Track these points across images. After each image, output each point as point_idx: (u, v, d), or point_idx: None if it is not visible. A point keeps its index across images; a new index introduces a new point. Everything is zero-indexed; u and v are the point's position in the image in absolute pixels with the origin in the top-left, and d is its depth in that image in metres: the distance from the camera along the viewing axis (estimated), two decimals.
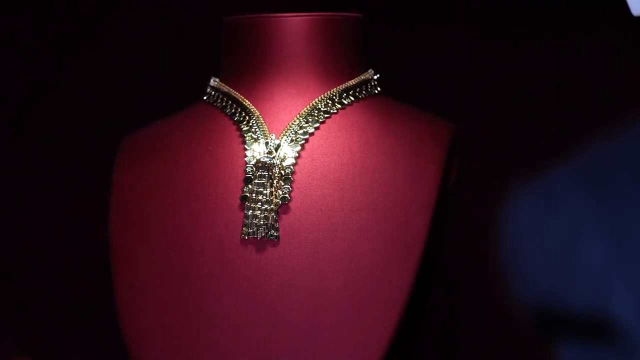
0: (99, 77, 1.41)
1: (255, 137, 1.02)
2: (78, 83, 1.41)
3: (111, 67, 1.41)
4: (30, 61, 1.42)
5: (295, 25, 1.04)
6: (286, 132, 1.02)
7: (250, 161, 1.01)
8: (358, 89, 1.06)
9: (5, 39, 1.42)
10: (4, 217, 1.41)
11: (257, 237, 0.98)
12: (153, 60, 1.41)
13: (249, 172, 1.00)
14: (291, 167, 1.00)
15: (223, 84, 1.07)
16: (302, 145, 1.02)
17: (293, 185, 1.00)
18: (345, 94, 1.05)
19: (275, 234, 0.98)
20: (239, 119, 1.04)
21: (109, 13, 1.42)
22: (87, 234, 1.37)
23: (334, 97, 1.05)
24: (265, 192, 0.99)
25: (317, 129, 1.03)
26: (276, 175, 1.00)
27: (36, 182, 1.40)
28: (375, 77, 1.09)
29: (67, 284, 1.39)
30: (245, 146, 1.02)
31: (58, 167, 1.40)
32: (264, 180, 0.99)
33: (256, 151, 1.01)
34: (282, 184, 1.00)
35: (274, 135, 1.02)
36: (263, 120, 1.03)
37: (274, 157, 1.00)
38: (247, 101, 1.05)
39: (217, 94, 1.07)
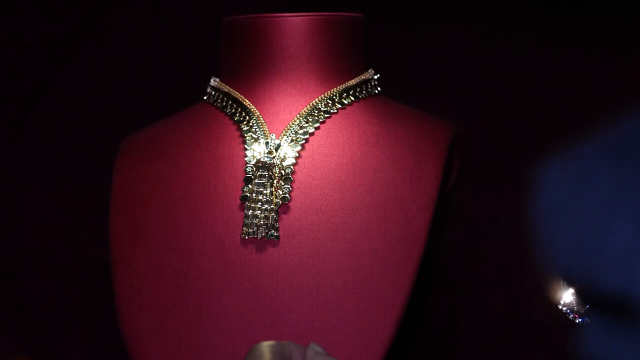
0: (99, 77, 1.41)
1: (256, 137, 1.02)
2: (78, 83, 1.41)
3: (111, 67, 1.41)
4: (30, 61, 1.42)
5: (295, 25, 1.04)
6: (286, 132, 1.02)
7: (250, 161, 1.01)
8: (358, 89, 1.06)
9: (5, 39, 1.42)
10: (4, 217, 1.41)
11: (257, 237, 0.98)
12: (153, 60, 1.41)
13: (249, 172, 1.00)
14: (291, 167, 1.00)
15: (223, 84, 1.08)
16: (302, 145, 1.02)
17: (293, 185, 1.00)
18: (345, 94, 1.05)
19: (275, 233, 0.98)
20: (239, 119, 1.04)
21: (109, 13, 1.42)
22: (87, 234, 1.37)
23: (334, 97, 1.05)
24: (265, 192, 0.99)
25: (317, 129, 1.03)
26: (276, 175, 1.00)
27: (36, 182, 1.40)
28: (376, 77, 1.09)
29: (67, 284, 1.39)
30: (246, 146, 1.02)
31: (58, 167, 1.40)
32: (264, 180, 0.99)
33: (256, 151, 1.01)
34: (283, 183, 1.00)
35: (274, 135, 1.02)
36: (263, 120, 1.03)
37: (274, 157, 1.01)
38: (247, 101, 1.05)
39: (217, 94, 1.08)
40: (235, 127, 1.04)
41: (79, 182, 1.39)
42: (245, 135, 1.03)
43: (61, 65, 1.42)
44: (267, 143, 1.01)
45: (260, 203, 0.99)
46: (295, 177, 1.01)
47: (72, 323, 1.38)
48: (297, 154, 1.01)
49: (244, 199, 0.99)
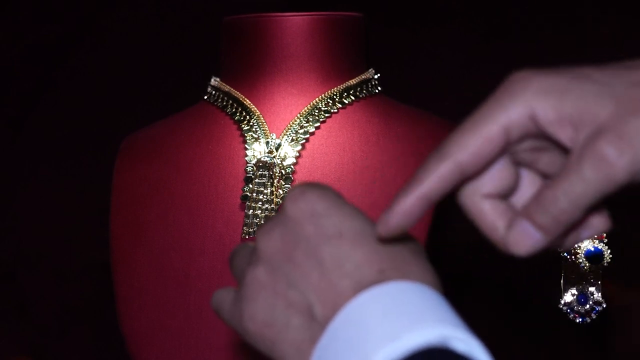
0: (99, 77, 1.41)
1: (256, 136, 1.02)
2: (78, 83, 1.41)
3: (111, 67, 1.41)
4: (30, 61, 1.42)
5: (295, 25, 1.03)
6: (287, 131, 1.02)
7: (250, 161, 1.00)
8: (358, 89, 1.06)
9: (5, 39, 1.42)
10: (4, 217, 1.41)
11: None
12: (153, 60, 1.41)
13: (249, 171, 1.00)
14: (292, 166, 1.00)
15: (223, 84, 1.07)
16: (303, 145, 1.02)
17: (294, 185, 1.00)
18: (345, 94, 1.05)
19: None
20: (239, 119, 1.04)
21: (109, 13, 1.42)
22: (87, 234, 1.37)
23: (335, 97, 1.04)
24: (265, 191, 0.99)
25: (317, 128, 1.03)
26: (277, 174, 1.00)
27: (36, 182, 1.40)
28: (376, 76, 1.09)
29: (67, 284, 1.39)
30: (246, 146, 1.02)
31: (58, 167, 1.40)
32: (264, 180, 0.99)
33: (257, 151, 1.01)
34: (283, 183, 1.00)
35: (274, 134, 1.02)
36: (264, 119, 1.03)
37: (274, 157, 1.00)
38: (247, 101, 1.04)
39: (217, 93, 1.07)
40: (235, 126, 1.04)
41: (79, 182, 1.39)
42: (246, 134, 1.02)
43: (61, 65, 1.42)
44: (267, 142, 1.01)
45: (260, 202, 0.98)
46: (296, 176, 1.00)
47: (72, 323, 1.38)
48: (297, 154, 1.01)
49: (245, 198, 0.99)
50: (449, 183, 0.54)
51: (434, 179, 0.54)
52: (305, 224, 0.55)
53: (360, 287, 0.53)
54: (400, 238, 0.57)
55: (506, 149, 0.55)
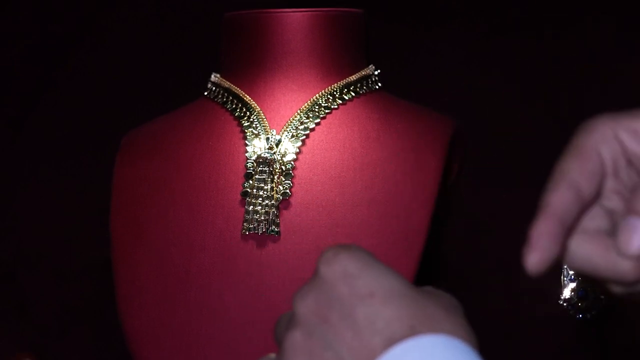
0: (99, 77, 1.41)
1: (256, 132, 1.02)
2: (78, 83, 1.41)
3: (111, 67, 1.41)
4: (30, 61, 1.42)
5: (296, 21, 1.04)
6: (287, 127, 1.02)
7: (251, 156, 1.00)
8: (359, 85, 1.06)
9: (5, 39, 1.42)
10: (4, 217, 1.41)
11: (257, 233, 0.98)
12: (153, 60, 1.41)
13: (249, 167, 1.00)
14: (292, 162, 1.00)
15: (224, 80, 1.07)
16: (303, 141, 1.02)
17: (294, 181, 1.00)
18: (346, 90, 1.05)
19: (276, 229, 0.98)
20: (239, 115, 1.04)
21: (109, 13, 1.42)
22: (87, 234, 1.37)
23: (335, 93, 1.04)
24: (266, 187, 0.99)
25: (317, 124, 1.03)
26: (277, 170, 1.00)
27: (36, 182, 1.40)
28: (376, 72, 1.09)
29: (67, 284, 1.39)
30: (246, 141, 1.02)
31: (58, 167, 1.40)
32: (264, 176, 0.99)
33: (257, 147, 1.01)
34: (283, 179, 1.00)
35: (274, 130, 1.02)
36: (264, 115, 1.03)
37: (274, 153, 1.00)
38: (247, 97, 1.05)
39: (217, 89, 1.07)
40: (235, 122, 1.04)
41: (79, 182, 1.39)
42: (246, 130, 1.02)
43: (61, 65, 1.42)
44: (267, 138, 1.01)
45: (260, 199, 0.98)
46: (296, 172, 1.00)
47: (72, 323, 1.38)
48: (297, 150, 1.01)
49: (245, 194, 0.99)
50: (572, 204, 0.56)
51: (558, 199, 0.56)
52: (339, 285, 0.56)
53: (391, 342, 0.54)
54: (434, 295, 0.58)
55: (604, 174, 0.57)
